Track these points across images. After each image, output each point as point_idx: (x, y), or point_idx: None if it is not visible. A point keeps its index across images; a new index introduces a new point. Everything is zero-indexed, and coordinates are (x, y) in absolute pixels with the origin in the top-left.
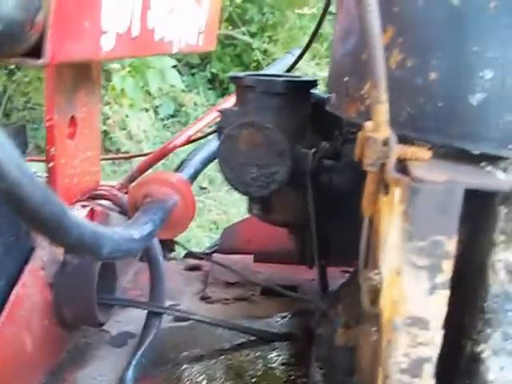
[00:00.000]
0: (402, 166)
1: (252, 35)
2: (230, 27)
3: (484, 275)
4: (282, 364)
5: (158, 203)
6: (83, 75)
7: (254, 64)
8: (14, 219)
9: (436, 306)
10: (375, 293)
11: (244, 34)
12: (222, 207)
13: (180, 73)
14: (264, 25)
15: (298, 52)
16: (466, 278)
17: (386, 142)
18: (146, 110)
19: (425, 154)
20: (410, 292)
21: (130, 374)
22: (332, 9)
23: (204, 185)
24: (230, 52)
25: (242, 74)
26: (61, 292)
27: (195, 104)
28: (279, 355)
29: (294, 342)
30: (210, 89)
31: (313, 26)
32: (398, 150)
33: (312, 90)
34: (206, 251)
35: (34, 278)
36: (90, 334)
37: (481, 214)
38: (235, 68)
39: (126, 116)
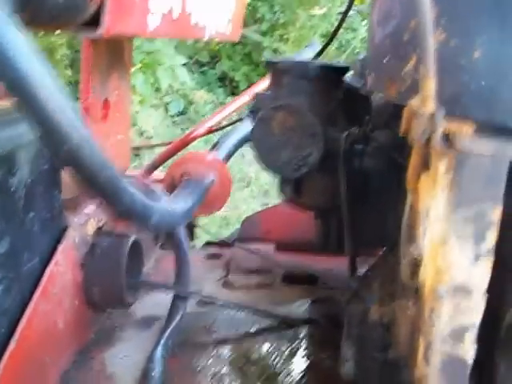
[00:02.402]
0: (448, 140)
1: (263, 34)
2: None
3: None
4: (306, 348)
5: (195, 181)
6: (116, 59)
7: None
8: (50, 197)
9: (479, 274)
10: (415, 266)
11: (255, 32)
12: (233, 203)
13: (190, 70)
14: (275, 23)
15: (316, 46)
16: (508, 248)
17: (432, 116)
18: (157, 107)
19: (469, 128)
20: (454, 260)
21: (158, 353)
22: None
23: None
24: (240, 50)
25: (276, 59)
26: (90, 273)
27: (205, 101)
28: (303, 340)
29: (316, 327)
30: (219, 87)
31: (323, 25)
32: (443, 124)
33: (344, 77)
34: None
35: (66, 257)
36: (116, 317)
37: None
38: (245, 67)
39: (136, 112)
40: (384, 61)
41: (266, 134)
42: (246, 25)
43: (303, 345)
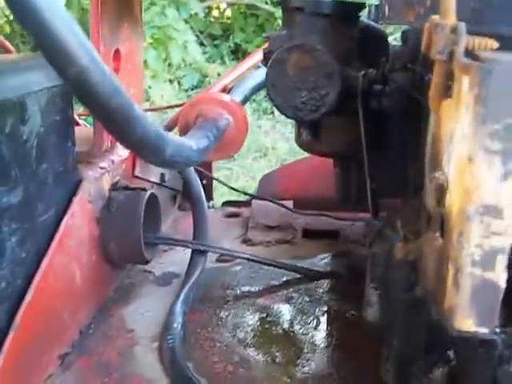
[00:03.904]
0: (470, 55)
1: (274, 4)
2: None
3: None
4: (328, 300)
5: (211, 122)
6: (126, 9)
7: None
8: (63, 149)
9: (510, 193)
10: (441, 193)
11: (266, 3)
12: (250, 174)
13: (203, 44)
14: None
15: None
16: None
17: (454, 29)
18: (170, 81)
19: (492, 43)
20: (483, 178)
21: (178, 307)
22: None
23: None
24: (253, 22)
25: None
26: (107, 228)
27: (219, 74)
28: (325, 292)
29: (338, 280)
30: (233, 59)
31: None
32: (466, 38)
33: (360, 15)
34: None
35: (81, 209)
36: (134, 275)
37: None
38: (258, 38)
39: (149, 87)
40: None
41: (281, 75)
42: None
43: (325, 297)
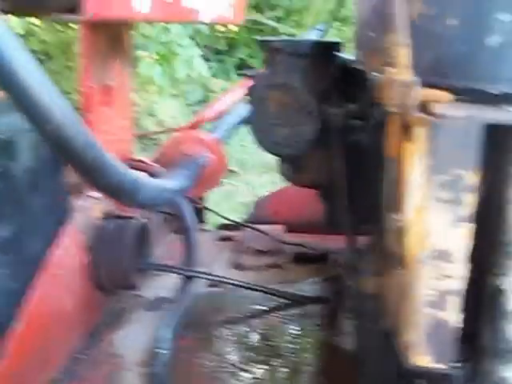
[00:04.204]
0: (424, 107)
1: (278, 20)
2: (257, 13)
3: (504, 209)
4: (314, 325)
5: (191, 160)
6: (116, 45)
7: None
8: (54, 182)
9: (459, 239)
10: (400, 234)
11: (270, 19)
12: (253, 190)
13: (208, 59)
14: (290, 9)
15: (322, 28)
16: (489, 216)
17: (408, 84)
18: (175, 97)
19: (446, 96)
20: (434, 225)
21: (166, 333)
22: None
23: (234, 168)
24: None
25: (270, 38)
26: (98, 255)
27: (223, 89)
28: (311, 317)
29: (325, 305)
30: (238, 74)
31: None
32: (420, 92)
33: (338, 53)
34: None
35: (72, 239)
36: (125, 299)
37: (500, 151)
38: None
39: (155, 103)
40: (369, 34)
41: (263, 113)
42: (261, 11)
43: (312, 322)
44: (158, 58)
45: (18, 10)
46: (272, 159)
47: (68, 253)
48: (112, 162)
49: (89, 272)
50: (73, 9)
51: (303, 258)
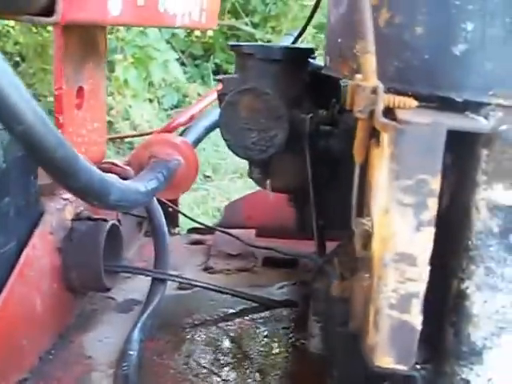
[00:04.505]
0: (390, 113)
1: (255, 26)
2: (233, 18)
3: (468, 214)
4: (283, 328)
5: (162, 163)
6: (90, 48)
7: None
8: (25, 183)
9: (423, 243)
10: (367, 238)
11: (247, 24)
12: (226, 195)
13: (184, 64)
14: (267, 15)
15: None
16: (453, 220)
17: (374, 90)
18: (150, 101)
19: (411, 102)
20: (397, 229)
21: (135, 334)
22: None
23: (208, 173)
24: (234, 42)
25: (241, 43)
26: (69, 257)
27: (199, 94)
28: (280, 321)
29: (294, 308)
30: (214, 80)
31: (316, 16)
32: (386, 98)
33: (310, 60)
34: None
35: (43, 241)
36: (97, 301)
37: (465, 157)
38: None
39: (130, 106)
40: (338, 41)
41: (233, 117)
42: (238, 17)
43: (278, 326)
44: (133, 61)
45: None
46: (245, 165)
47: (39, 254)
48: (82, 162)
49: (60, 274)
50: (47, 11)
51: (273, 262)
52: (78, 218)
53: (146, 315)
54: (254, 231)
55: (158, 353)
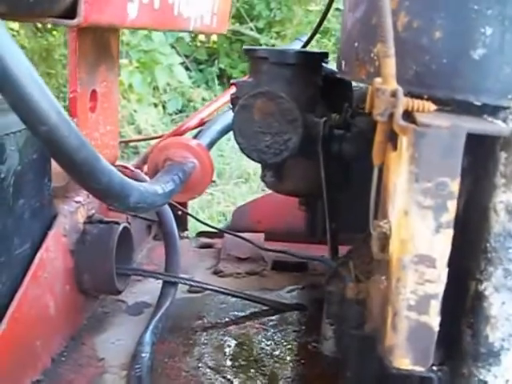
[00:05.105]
0: (409, 117)
1: (259, 31)
2: (238, 23)
3: (487, 217)
4: (293, 331)
5: (178, 165)
6: (103, 51)
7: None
8: (40, 185)
9: (441, 244)
10: (384, 240)
11: (251, 29)
12: (231, 199)
13: (188, 69)
14: (271, 20)
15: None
16: (471, 223)
17: (393, 93)
18: (155, 105)
19: (430, 105)
20: (417, 231)
21: (147, 337)
22: (339, 5)
23: (213, 178)
24: (238, 48)
25: (255, 47)
26: (81, 260)
27: (203, 99)
28: (290, 324)
29: (304, 312)
30: (218, 84)
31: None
32: (405, 101)
33: (323, 64)
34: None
35: (56, 243)
36: (108, 304)
37: (483, 160)
38: (243, 64)
39: (135, 111)
40: (355, 45)
41: (247, 120)
42: (242, 22)
43: (289, 329)
44: (138, 65)
45: (13, 14)
46: (249, 169)
47: (53, 256)
48: (103, 163)
49: (72, 276)
50: (69, 14)
51: (283, 266)
52: (89, 220)
53: (157, 318)
54: (262, 235)
55: (170, 355)
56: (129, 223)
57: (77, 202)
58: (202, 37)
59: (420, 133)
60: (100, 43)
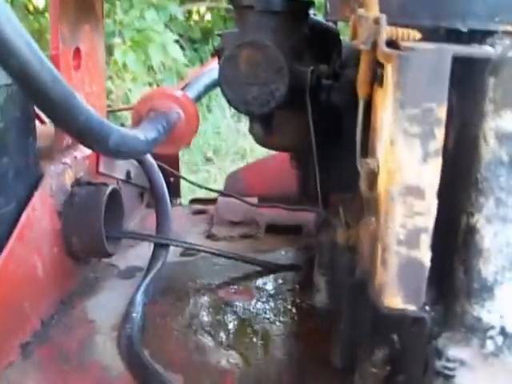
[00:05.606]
0: (393, 45)
1: None
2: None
3: (476, 145)
4: (287, 290)
5: (162, 115)
6: (86, 9)
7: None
8: (24, 144)
9: (430, 174)
10: (373, 177)
11: None
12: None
13: (183, 48)
14: None
15: None
16: (461, 155)
17: (376, 20)
18: (150, 84)
19: (415, 33)
20: (404, 160)
21: (138, 297)
22: None
23: (209, 155)
24: (232, 26)
25: None
26: (69, 222)
27: None
28: (284, 284)
29: (298, 272)
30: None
31: None
32: (388, 30)
33: (311, 15)
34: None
35: (43, 203)
36: (99, 269)
37: (471, 87)
38: None
39: (129, 90)
40: None
41: (233, 71)
42: None
43: (282, 288)
44: (131, 44)
45: None
46: (246, 145)
47: (39, 216)
48: (79, 101)
49: (60, 238)
50: None
51: (276, 229)
52: (78, 183)
53: (148, 279)
54: (256, 199)
55: (162, 315)
56: (119, 187)
57: (64, 164)
58: (196, 16)
59: (404, 57)
60: (82, 1)
